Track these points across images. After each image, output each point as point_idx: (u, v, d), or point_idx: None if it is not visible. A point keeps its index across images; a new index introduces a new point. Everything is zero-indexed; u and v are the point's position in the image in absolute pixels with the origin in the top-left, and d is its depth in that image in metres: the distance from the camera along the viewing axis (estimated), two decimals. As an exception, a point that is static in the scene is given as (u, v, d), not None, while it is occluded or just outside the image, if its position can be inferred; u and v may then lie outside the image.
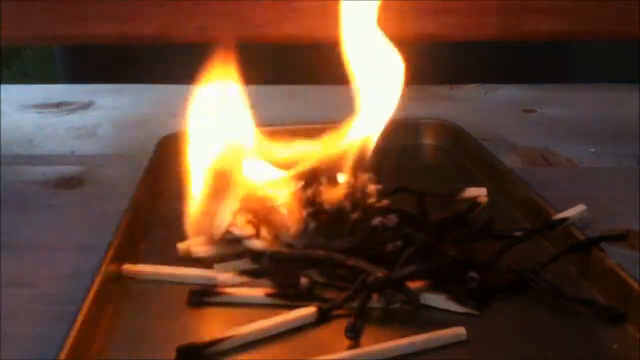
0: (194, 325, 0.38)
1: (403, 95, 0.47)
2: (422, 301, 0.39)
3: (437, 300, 0.39)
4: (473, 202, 0.49)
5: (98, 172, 0.58)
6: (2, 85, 0.81)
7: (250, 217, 0.43)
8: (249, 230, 0.43)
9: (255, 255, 0.42)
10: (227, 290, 0.40)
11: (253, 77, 0.47)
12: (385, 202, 0.45)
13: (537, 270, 0.40)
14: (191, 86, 0.46)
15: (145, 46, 0.94)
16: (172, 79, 0.82)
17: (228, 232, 0.43)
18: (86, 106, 0.76)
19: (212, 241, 0.44)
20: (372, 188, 0.45)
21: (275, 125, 0.58)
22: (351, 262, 0.40)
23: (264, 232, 0.43)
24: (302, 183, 0.45)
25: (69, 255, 0.45)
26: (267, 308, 0.39)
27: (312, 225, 0.43)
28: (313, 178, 0.45)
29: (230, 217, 0.43)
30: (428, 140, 0.63)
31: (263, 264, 0.42)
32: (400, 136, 0.61)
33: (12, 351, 0.36)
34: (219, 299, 0.39)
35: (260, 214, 0.44)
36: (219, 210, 0.44)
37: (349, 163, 0.46)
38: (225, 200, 0.44)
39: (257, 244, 0.42)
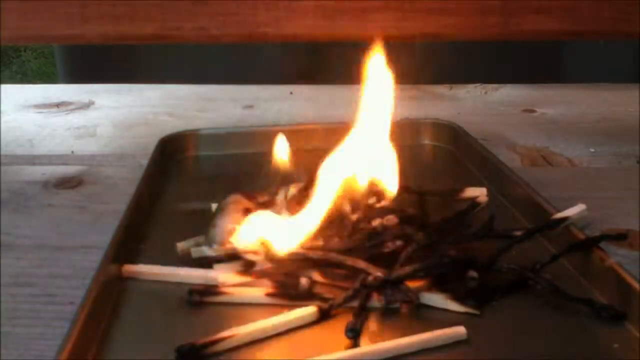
0: (194, 325, 0.38)
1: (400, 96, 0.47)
2: (422, 301, 0.39)
3: (437, 300, 0.39)
4: (473, 202, 0.49)
5: (98, 172, 0.58)
6: (2, 85, 0.81)
7: (253, 230, 0.43)
8: (251, 246, 0.42)
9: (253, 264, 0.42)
10: (227, 290, 0.40)
11: (253, 77, 0.47)
12: (385, 202, 0.45)
13: (537, 269, 0.40)
14: (191, 86, 0.46)
15: (145, 46, 0.94)
16: (172, 79, 0.82)
17: (229, 243, 0.43)
18: (86, 106, 0.76)
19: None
20: (372, 188, 0.45)
21: (276, 125, 0.58)
22: (351, 262, 0.40)
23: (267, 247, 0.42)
24: (302, 185, 0.45)
25: (69, 255, 0.45)
26: (267, 308, 0.39)
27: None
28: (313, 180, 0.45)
29: (231, 229, 0.43)
30: (428, 140, 0.63)
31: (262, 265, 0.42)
32: (400, 136, 0.62)
33: (12, 351, 0.36)
34: (219, 299, 0.39)
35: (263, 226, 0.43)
36: (219, 221, 0.43)
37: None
38: (230, 212, 0.44)
39: (258, 260, 0.42)
